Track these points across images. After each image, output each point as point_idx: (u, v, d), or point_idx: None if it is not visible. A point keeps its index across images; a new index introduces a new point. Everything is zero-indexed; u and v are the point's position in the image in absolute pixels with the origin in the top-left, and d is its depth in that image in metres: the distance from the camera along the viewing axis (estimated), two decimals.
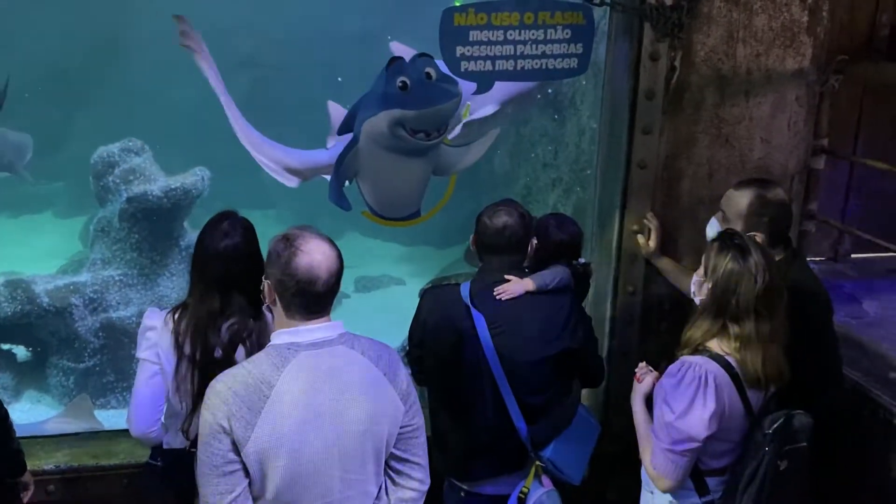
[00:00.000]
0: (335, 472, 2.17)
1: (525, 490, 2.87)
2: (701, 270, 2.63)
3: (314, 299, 2.15)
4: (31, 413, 5.31)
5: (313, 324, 2.18)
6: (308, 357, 2.15)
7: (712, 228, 3.06)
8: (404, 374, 2.31)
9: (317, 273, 2.12)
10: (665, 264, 3.50)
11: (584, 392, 3.24)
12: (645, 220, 3.51)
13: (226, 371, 2.18)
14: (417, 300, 3.06)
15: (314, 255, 2.13)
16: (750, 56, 3.44)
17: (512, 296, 2.85)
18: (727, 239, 2.59)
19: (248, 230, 2.67)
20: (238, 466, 2.10)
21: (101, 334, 5.60)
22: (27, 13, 9.19)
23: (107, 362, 5.62)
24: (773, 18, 3.40)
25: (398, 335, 5.11)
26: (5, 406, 2.78)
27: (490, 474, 2.96)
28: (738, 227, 2.88)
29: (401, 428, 2.28)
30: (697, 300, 2.65)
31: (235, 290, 2.58)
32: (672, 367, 2.54)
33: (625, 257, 3.60)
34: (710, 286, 2.54)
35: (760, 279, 2.45)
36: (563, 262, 3.09)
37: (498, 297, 2.85)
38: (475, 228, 2.97)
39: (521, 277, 2.90)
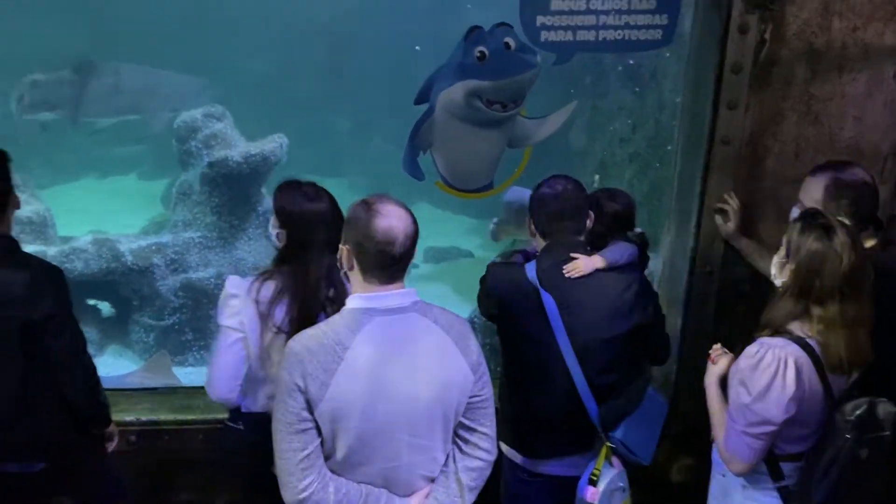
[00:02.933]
0: (404, 436, 2.20)
1: (597, 471, 2.85)
2: (782, 251, 2.55)
3: (392, 261, 2.18)
4: (114, 367, 5.52)
5: (388, 290, 2.21)
6: (382, 322, 2.18)
7: None
8: (475, 344, 2.32)
9: (395, 234, 2.15)
10: (745, 245, 3.40)
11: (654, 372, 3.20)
12: (720, 203, 3.40)
13: (302, 331, 2.23)
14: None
15: (392, 219, 2.16)
16: (846, 30, 3.27)
17: (581, 274, 2.81)
18: (810, 218, 2.50)
19: (332, 196, 2.70)
20: (311, 425, 2.15)
21: (180, 294, 5.78)
22: None
23: (185, 321, 5.79)
24: None
25: (466, 306, 5.13)
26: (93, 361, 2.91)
27: (556, 453, 2.95)
28: None
29: (470, 397, 2.29)
30: (778, 282, 2.57)
31: (330, 253, 2.52)
32: (750, 349, 2.48)
33: (703, 236, 3.52)
34: (792, 267, 2.46)
35: (846, 259, 2.36)
36: (619, 234, 3.04)
37: (567, 276, 2.81)
38: (530, 209, 2.92)
39: (588, 255, 2.86)
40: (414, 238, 2.21)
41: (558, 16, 3.34)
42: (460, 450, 2.34)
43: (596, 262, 2.84)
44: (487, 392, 2.34)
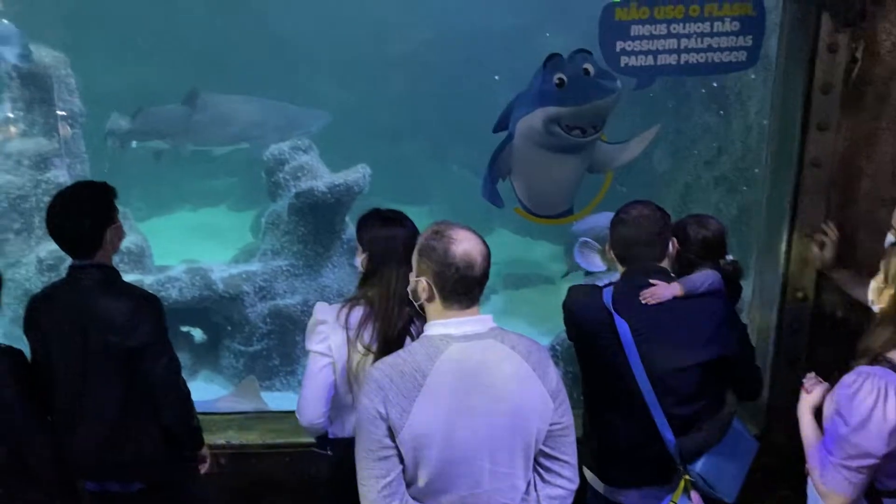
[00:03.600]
0: (485, 463, 2.20)
1: None
2: (880, 276, 2.45)
3: (474, 284, 2.21)
4: (205, 391, 5.71)
5: (465, 316, 2.23)
6: (460, 349, 2.19)
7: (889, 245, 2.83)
8: (554, 371, 2.30)
9: (473, 257, 2.18)
10: (842, 276, 3.27)
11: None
12: (818, 235, 3.27)
13: (383, 359, 2.26)
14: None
15: (466, 243, 2.20)
16: None
17: (659, 300, 2.74)
18: None
19: (409, 218, 2.76)
20: (393, 452, 2.17)
21: (268, 320, 5.95)
22: (196, 10, 9.95)
23: (273, 347, 5.95)
24: None
25: (547, 333, 5.09)
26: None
27: (635, 483, 2.87)
28: None
29: (550, 425, 2.27)
30: (876, 308, 2.46)
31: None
32: (847, 378, 2.38)
33: (795, 261, 3.41)
34: (891, 293, 2.37)
35: None
36: (709, 262, 2.95)
37: (644, 302, 2.75)
38: (610, 234, 2.88)
39: (668, 283, 2.80)
40: (489, 258, 2.24)
41: (639, 41, 3.33)
42: (542, 478, 2.32)
43: (674, 289, 2.77)
44: (568, 420, 2.31)
